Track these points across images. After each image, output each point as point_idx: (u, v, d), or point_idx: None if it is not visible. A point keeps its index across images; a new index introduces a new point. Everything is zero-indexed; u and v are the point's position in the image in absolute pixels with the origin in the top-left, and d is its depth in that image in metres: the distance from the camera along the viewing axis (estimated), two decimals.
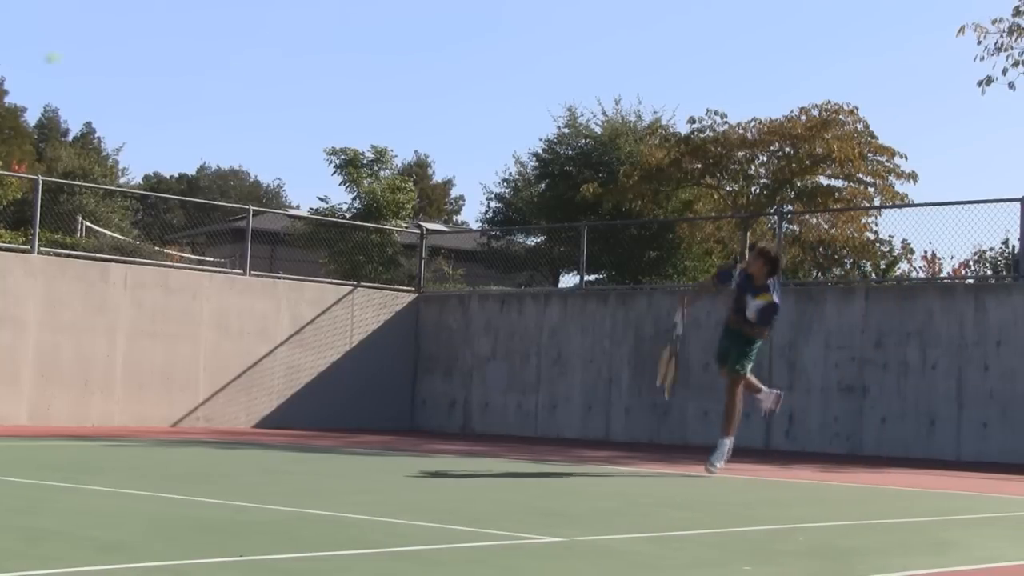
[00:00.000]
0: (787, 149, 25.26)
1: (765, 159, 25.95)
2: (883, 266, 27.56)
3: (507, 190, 36.99)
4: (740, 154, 25.66)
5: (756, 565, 5.78)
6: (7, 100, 60.72)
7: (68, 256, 18.78)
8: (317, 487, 9.67)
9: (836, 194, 25.59)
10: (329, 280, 21.54)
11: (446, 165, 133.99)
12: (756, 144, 25.47)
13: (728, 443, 11.39)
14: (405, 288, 21.79)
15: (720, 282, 11.95)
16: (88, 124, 69.93)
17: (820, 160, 24.86)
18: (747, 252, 12.33)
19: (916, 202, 23.46)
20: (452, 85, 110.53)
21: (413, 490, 9.67)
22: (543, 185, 33.88)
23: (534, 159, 34.58)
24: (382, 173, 29.68)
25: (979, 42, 17.23)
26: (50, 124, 67.74)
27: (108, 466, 10.96)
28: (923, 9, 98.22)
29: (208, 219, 35.12)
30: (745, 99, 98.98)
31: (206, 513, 7.29)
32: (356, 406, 19.93)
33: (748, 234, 24.72)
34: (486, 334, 20.20)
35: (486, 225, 37.60)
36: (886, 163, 25.32)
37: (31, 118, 65.78)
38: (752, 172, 26.13)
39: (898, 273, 27.23)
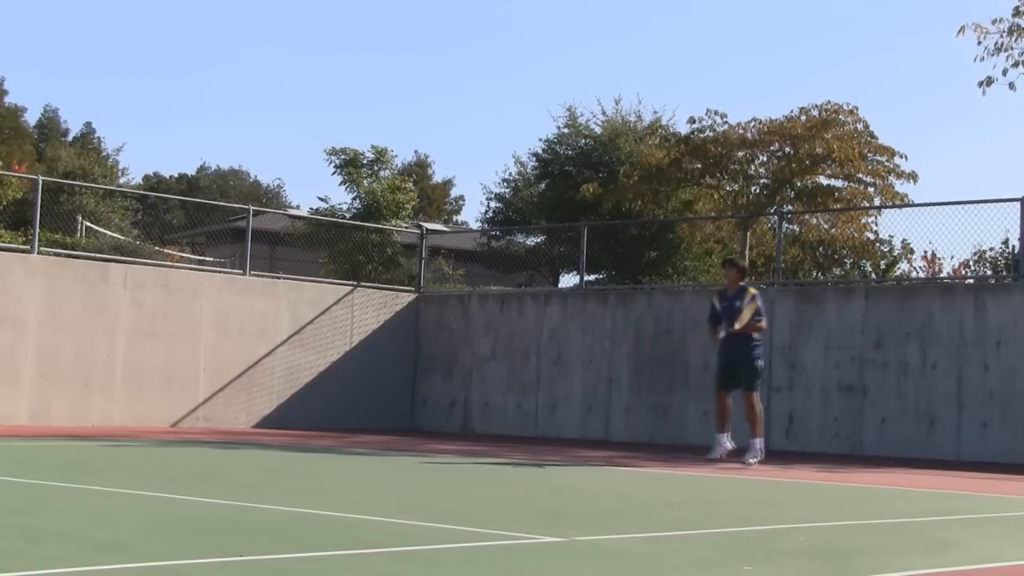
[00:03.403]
0: (787, 149, 25.26)
1: (765, 159, 25.95)
2: (883, 266, 27.57)
3: (507, 190, 36.99)
4: (740, 154, 25.66)
5: (756, 565, 5.78)
6: (7, 100, 60.80)
7: (68, 256, 18.77)
8: (317, 487, 9.67)
9: (836, 194, 25.59)
10: (329, 280, 21.54)
11: (446, 165, 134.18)
12: (756, 144, 25.47)
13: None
14: (405, 288, 21.78)
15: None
16: (88, 124, 70.04)
17: (820, 160, 24.86)
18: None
19: (916, 202, 23.49)
20: (452, 85, 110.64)
21: (413, 490, 9.67)
22: (543, 185, 33.88)
23: (534, 159, 34.59)
24: (382, 173, 29.66)
25: (979, 42, 17.19)
26: (50, 124, 67.74)
27: (108, 466, 10.96)
28: (923, 9, 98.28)
29: (208, 219, 35.12)
30: (745, 99, 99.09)
31: (206, 513, 7.29)
32: (356, 406, 19.93)
33: (748, 234, 24.73)
34: (486, 334, 20.20)
35: (486, 225, 37.59)
36: (886, 163, 25.32)
37: (31, 118, 65.85)
38: (752, 172, 26.13)
39: (898, 273, 27.23)
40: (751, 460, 13.19)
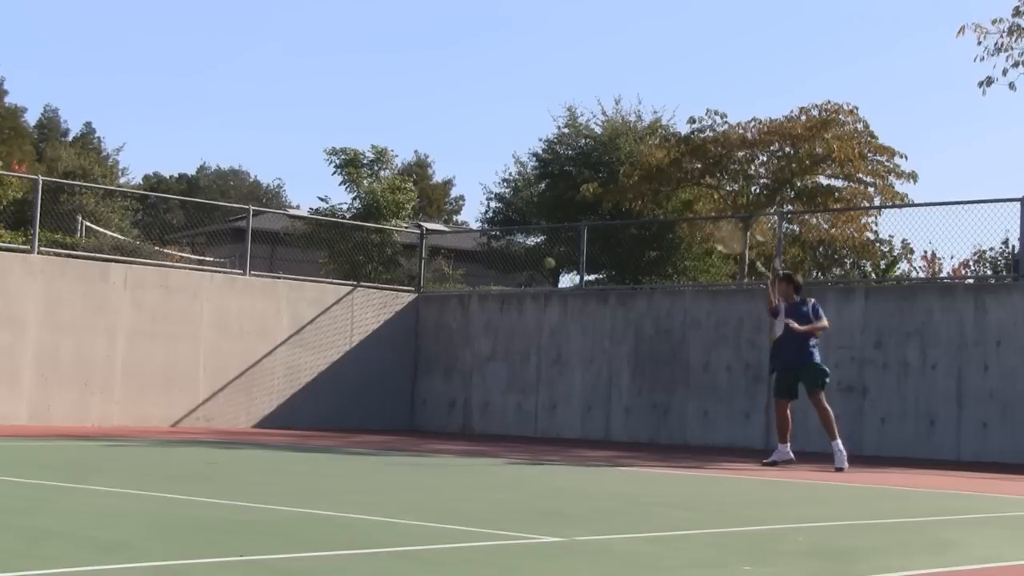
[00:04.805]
0: (787, 149, 25.24)
1: (765, 159, 25.93)
2: (883, 266, 27.58)
3: (507, 190, 37.00)
4: (740, 154, 25.64)
5: (756, 565, 5.78)
6: (7, 100, 60.72)
7: (68, 256, 18.78)
8: (317, 487, 9.67)
9: (836, 194, 25.57)
10: (329, 280, 21.54)
11: (446, 165, 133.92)
12: (756, 144, 25.45)
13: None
14: (405, 288, 21.79)
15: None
16: (88, 124, 69.97)
17: (820, 160, 24.84)
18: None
19: (916, 202, 23.49)
20: (452, 85, 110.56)
21: (413, 490, 9.67)
22: (543, 185, 33.88)
23: (534, 159, 34.59)
24: (382, 173, 29.67)
25: (979, 42, 17.20)
26: (50, 124, 67.70)
27: (108, 466, 10.96)
28: (923, 9, 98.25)
29: (208, 219, 35.12)
30: (745, 99, 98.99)
31: (206, 513, 7.29)
32: (356, 406, 19.93)
33: (748, 234, 24.72)
34: (486, 334, 20.20)
35: (486, 225, 37.59)
36: (886, 163, 25.30)
37: (31, 118, 65.79)
38: (752, 172, 26.11)
39: (898, 273, 27.24)
40: (843, 465, 13.10)
